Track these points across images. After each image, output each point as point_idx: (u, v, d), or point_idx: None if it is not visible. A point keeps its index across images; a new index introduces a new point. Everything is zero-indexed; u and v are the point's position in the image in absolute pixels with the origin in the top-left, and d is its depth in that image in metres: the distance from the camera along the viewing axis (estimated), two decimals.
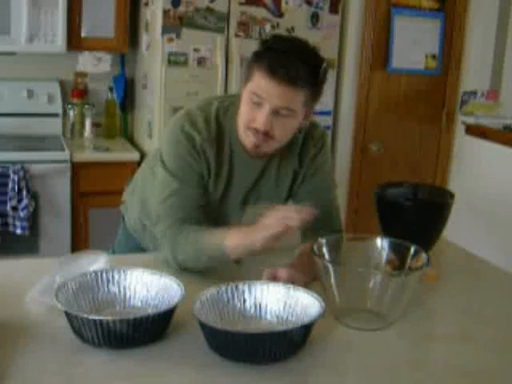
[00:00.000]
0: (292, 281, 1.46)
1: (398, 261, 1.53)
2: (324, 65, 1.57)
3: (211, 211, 1.70)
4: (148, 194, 1.81)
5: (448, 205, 1.73)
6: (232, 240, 1.51)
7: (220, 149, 1.66)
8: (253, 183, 1.73)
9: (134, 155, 3.31)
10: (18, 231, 3.03)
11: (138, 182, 1.96)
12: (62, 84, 3.58)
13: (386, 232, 1.69)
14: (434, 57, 3.66)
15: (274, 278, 1.50)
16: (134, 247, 1.96)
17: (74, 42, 3.31)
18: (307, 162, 1.75)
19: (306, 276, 1.54)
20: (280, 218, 1.43)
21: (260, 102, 1.52)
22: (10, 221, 3.03)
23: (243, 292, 1.40)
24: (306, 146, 1.75)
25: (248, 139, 1.59)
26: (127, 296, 1.43)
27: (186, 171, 1.64)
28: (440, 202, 1.77)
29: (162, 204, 1.64)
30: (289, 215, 1.44)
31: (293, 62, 1.49)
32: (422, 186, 1.86)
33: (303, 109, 1.57)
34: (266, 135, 1.56)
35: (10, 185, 3.00)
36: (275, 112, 1.52)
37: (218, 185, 1.69)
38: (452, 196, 1.75)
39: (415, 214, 1.70)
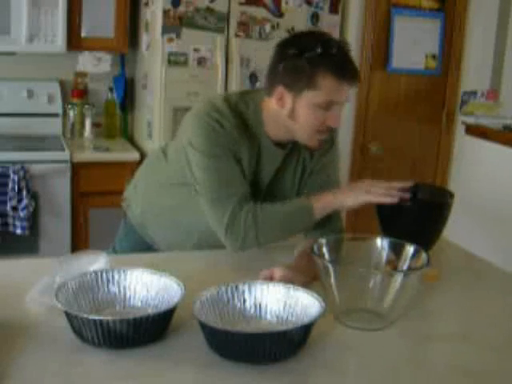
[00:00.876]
0: (287, 281, 1.46)
1: (399, 261, 1.53)
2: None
3: None
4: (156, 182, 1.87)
5: (448, 205, 1.73)
6: (320, 201, 1.66)
7: (245, 137, 1.68)
8: (275, 172, 1.76)
9: (134, 155, 3.31)
10: (18, 231, 3.03)
11: (141, 177, 1.98)
12: (62, 84, 3.59)
13: (386, 232, 1.69)
14: (434, 57, 3.66)
15: (269, 278, 1.51)
16: (136, 242, 1.97)
17: (74, 41, 3.31)
18: (316, 157, 1.81)
19: (305, 276, 1.54)
20: (380, 187, 1.64)
21: (331, 103, 1.59)
22: (10, 221, 3.03)
23: (243, 292, 1.40)
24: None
25: (315, 139, 1.67)
26: (127, 296, 1.43)
27: (227, 154, 1.64)
28: (440, 201, 1.77)
29: (217, 188, 1.64)
30: (390, 187, 1.65)
31: (350, 59, 1.60)
32: (422, 186, 1.86)
33: None
34: (329, 128, 1.65)
35: (10, 185, 3.00)
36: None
37: (246, 171, 1.71)
38: (452, 196, 1.75)
39: (415, 214, 1.70)
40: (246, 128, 1.69)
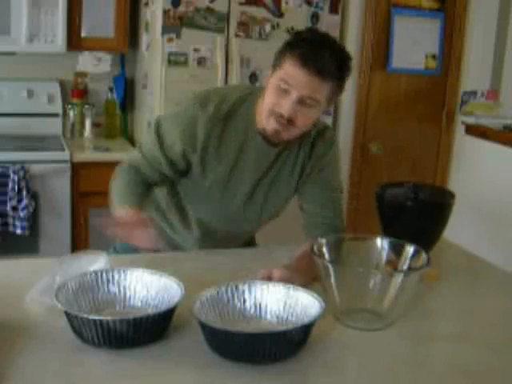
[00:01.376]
0: (286, 282, 1.45)
1: (399, 261, 1.53)
2: (351, 62, 1.63)
3: (217, 188, 1.76)
4: None
5: (449, 205, 1.73)
6: (117, 210, 1.71)
7: (229, 129, 1.71)
8: (264, 171, 1.77)
9: None
10: (18, 231, 3.03)
11: None
12: (62, 84, 3.58)
13: (387, 232, 1.69)
14: (434, 57, 3.66)
15: (268, 278, 1.50)
16: None
17: (74, 41, 3.30)
18: (314, 159, 1.80)
19: (304, 277, 1.54)
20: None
21: (287, 90, 1.58)
22: (10, 221, 3.03)
23: (243, 292, 1.40)
24: (317, 143, 1.80)
25: (270, 124, 1.64)
26: (127, 296, 1.43)
27: (173, 140, 1.72)
28: (441, 202, 1.77)
29: (138, 150, 1.81)
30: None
31: (324, 55, 1.56)
32: (423, 186, 1.86)
33: (325, 102, 1.63)
34: (289, 122, 1.61)
35: (10, 185, 3.00)
36: (301, 101, 1.58)
37: (222, 162, 1.74)
38: (453, 196, 1.75)
39: (416, 215, 1.70)
40: (234, 122, 1.72)
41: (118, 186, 1.80)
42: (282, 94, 1.59)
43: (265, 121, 1.65)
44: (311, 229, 1.80)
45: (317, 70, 1.55)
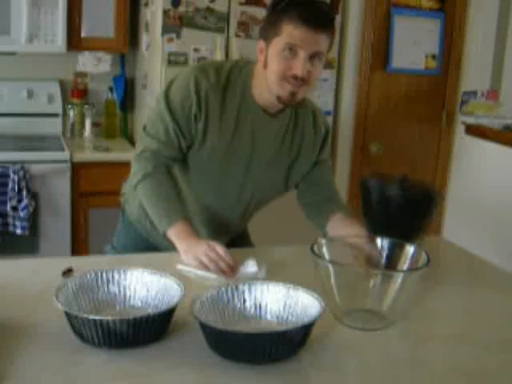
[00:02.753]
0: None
1: (398, 261, 1.53)
2: (335, 15, 1.77)
3: (216, 158, 1.79)
4: None
5: (434, 199, 1.72)
6: (174, 233, 1.70)
7: (227, 100, 1.75)
8: (262, 140, 1.80)
9: None
10: (18, 231, 3.03)
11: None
12: (62, 84, 3.59)
13: (367, 218, 1.70)
14: (434, 57, 3.66)
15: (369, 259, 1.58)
16: (134, 238, 1.98)
17: (74, 41, 3.31)
18: (313, 136, 1.88)
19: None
20: (215, 262, 1.62)
21: (294, 51, 1.63)
22: (10, 221, 3.03)
23: (243, 292, 1.40)
24: (316, 120, 1.89)
25: (284, 89, 1.67)
26: (127, 296, 1.43)
27: (180, 117, 1.74)
28: (427, 195, 1.76)
29: (148, 135, 1.79)
30: (221, 261, 1.62)
31: (318, 10, 1.65)
32: (411, 181, 1.85)
33: (326, 53, 1.70)
34: (302, 81, 1.66)
35: (10, 185, 3.00)
36: (310, 58, 1.64)
37: (222, 131, 1.77)
38: (439, 194, 1.76)
39: (400, 205, 1.69)
40: (232, 92, 1.75)
41: (150, 195, 1.78)
42: (290, 57, 1.64)
43: (277, 87, 1.67)
44: (314, 208, 1.90)
45: (317, 24, 1.62)
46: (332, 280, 1.41)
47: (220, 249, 1.64)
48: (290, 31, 1.62)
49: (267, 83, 1.70)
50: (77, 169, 3.19)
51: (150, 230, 1.94)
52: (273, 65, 1.66)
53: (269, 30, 1.67)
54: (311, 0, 1.67)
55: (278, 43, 1.64)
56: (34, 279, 1.58)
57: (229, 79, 1.75)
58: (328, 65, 3.41)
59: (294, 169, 1.87)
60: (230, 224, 1.95)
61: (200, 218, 1.88)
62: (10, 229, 3.04)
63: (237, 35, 3.15)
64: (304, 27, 1.61)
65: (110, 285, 1.43)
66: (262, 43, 1.69)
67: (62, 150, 3.23)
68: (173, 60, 3.09)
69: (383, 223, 1.65)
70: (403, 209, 1.69)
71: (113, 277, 1.44)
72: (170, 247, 1.91)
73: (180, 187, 1.87)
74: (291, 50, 1.63)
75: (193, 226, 1.81)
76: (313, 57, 1.64)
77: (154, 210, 1.75)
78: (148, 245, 1.95)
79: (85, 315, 1.25)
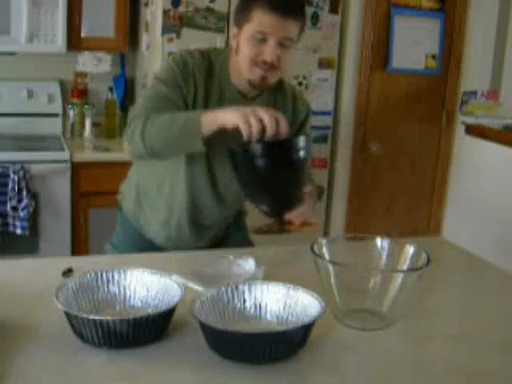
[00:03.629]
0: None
1: (398, 261, 1.53)
2: (305, 2, 1.80)
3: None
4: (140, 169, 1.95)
5: (294, 144, 1.58)
6: (208, 114, 1.59)
7: (210, 81, 1.79)
8: None
9: None
10: (18, 231, 3.03)
11: (133, 169, 2.01)
12: (62, 84, 3.59)
13: (245, 191, 1.68)
14: (433, 57, 3.66)
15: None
16: (132, 234, 1.98)
17: (74, 41, 3.31)
18: (295, 114, 1.90)
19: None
20: (256, 115, 1.51)
21: (264, 38, 1.67)
22: (10, 221, 3.03)
23: (243, 292, 1.40)
24: (297, 102, 1.91)
25: (255, 73, 1.72)
26: (127, 296, 1.43)
27: (171, 85, 1.74)
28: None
29: (144, 101, 1.76)
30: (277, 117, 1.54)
31: None
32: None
33: (297, 39, 1.74)
34: (273, 66, 1.70)
35: (10, 185, 3.00)
36: (279, 43, 1.68)
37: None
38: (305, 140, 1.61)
39: (261, 155, 1.54)
40: (213, 74, 1.79)
41: (162, 122, 1.64)
42: (260, 43, 1.68)
43: (248, 72, 1.72)
44: None
45: (287, 11, 1.67)
46: (332, 280, 1.41)
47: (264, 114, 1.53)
48: (259, 18, 1.67)
49: (239, 68, 1.75)
50: (77, 169, 3.19)
51: (143, 224, 1.96)
52: (244, 50, 1.71)
53: (240, 16, 1.73)
54: None
55: (248, 30, 1.69)
56: (34, 279, 1.58)
57: (210, 63, 1.80)
58: (328, 65, 3.41)
59: None
60: (216, 218, 1.96)
61: (187, 211, 1.89)
62: (10, 229, 3.04)
63: None
64: (273, 14, 1.65)
65: (110, 285, 1.43)
66: (234, 29, 1.74)
67: (62, 150, 3.23)
68: None
69: (259, 193, 1.61)
70: (265, 158, 1.54)
71: (113, 277, 1.44)
72: (165, 244, 1.94)
73: (168, 180, 1.87)
74: (261, 36, 1.67)
75: (179, 221, 1.85)
76: (282, 43, 1.68)
77: (176, 125, 1.61)
78: (145, 241, 1.96)
79: (85, 315, 1.25)
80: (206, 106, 1.77)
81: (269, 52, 1.68)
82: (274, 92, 1.86)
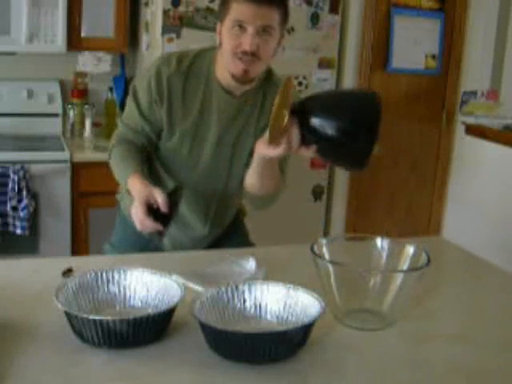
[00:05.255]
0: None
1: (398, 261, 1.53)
2: None
3: (186, 142, 1.84)
4: None
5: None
6: (129, 186, 1.74)
7: (190, 85, 1.81)
8: (228, 121, 1.84)
9: None
10: (18, 231, 3.03)
11: None
12: (62, 84, 3.59)
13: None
14: (433, 57, 3.66)
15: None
16: (130, 233, 1.98)
17: (74, 41, 3.30)
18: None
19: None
20: (140, 218, 1.63)
21: (243, 27, 1.68)
22: (10, 221, 3.03)
23: (243, 292, 1.40)
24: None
25: (236, 66, 1.71)
26: (127, 296, 1.43)
27: (146, 102, 1.83)
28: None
29: (120, 121, 1.94)
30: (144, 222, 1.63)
31: None
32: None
33: (279, 29, 1.72)
34: (253, 56, 1.69)
35: (10, 185, 3.00)
36: (258, 32, 1.67)
37: (187, 115, 1.82)
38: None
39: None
40: (196, 75, 1.81)
41: (115, 163, 1.88)
42: (239, 33, 1.68)
43: (231, 65, 1.72)
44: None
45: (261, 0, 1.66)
46: (332, 280, 1.41)
47: (139, 211, 1.64)
48: (236, 8, 1.68)
49: (223, 63, 1.75)
50: (77, 169, 3.18)
51: None
52: (225, 43, 1.72)
53: (220, 10, 1.75)
54: None
55: (227, 22, 1.70)
56: (34, 279, 1.58)
57: (192, 64, 1.81)
58: (328, 65, 3.41)
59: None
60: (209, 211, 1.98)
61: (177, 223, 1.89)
62: (10, 229, 3.03)
63: None
64: (248, 2, 1.66)
65: (110, 285, 1.43)
66: (218, 25, 1.76)
67: (62, 150, 3.23)
68: None
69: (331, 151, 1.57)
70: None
71: (113, 277, 1.44)
72: (162, 244, 1.93)
73: (161, 179, 1.91)
74: (240, 26, 1.67)
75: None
76: (262, 32, 1.68)
77: (117, 175, 1.85)
78: (144, 240, 1.96)
79: (85, 315, 1.26)
80: (186, 110, 1.81)
81: (247, 41, 1.67)
82: (262, 86, 1.84)
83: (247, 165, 1.83)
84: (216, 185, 1.93)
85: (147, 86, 1.81)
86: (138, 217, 1.63)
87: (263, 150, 1.60)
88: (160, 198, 1.62)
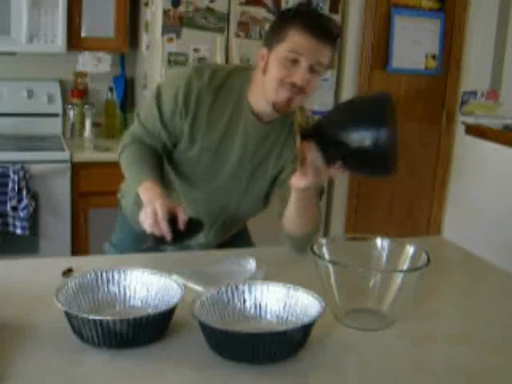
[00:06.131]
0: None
1: (398, 261, 1.53)
2: (339, 32, 1.75)
3: (205, 157, 1.80)
4: None
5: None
6: (142, 189, 1.69)
7: (219, 101, 1.76)
8: (253, 146, 1.80)
9: None
10: (18, 231, 3.03)
11: None
12: (62, 84, 3.59)
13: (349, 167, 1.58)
14: (433, 57, 3.67)
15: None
16: (130, 233, 1.98)
17: (74, 41, 3.31)
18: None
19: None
20: (153, 219, 1.59)
21: (296, 59, 1.63)
22: (10, 221, 3.03)
23: (243, 292, 1.40)
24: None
25: (281, 95, 1.67)
26: (127, 296, 1.43)
27: (167, 105, 1.77)
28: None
29: (137, 120, 1.86)
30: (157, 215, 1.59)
31: (324, 22, 1.67)
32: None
33: (327, 66, 1.70)
34: (300, 90, 1.66)
35: (10, 185, 3.00)
36: (311, 68, 1.65)
37: (211, 131, 1.78)
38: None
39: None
40: (227, 92, 1.76)
41: (128, 161, 1.82)
42: (291, 64, 1.64)
43: (274, 93, 1.67)
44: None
45: (323, 35, 1.64)
46: (332, 280, 1.41)
47: (160, 212, 1.61)
48: (295, 38, 1.63)
49: (264, 89, 1.70)
50: (77, 169, 3.19)
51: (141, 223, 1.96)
52: (273, 70, 1.66)
53: (273, 37, 1.68)
54: (318, 13, 1.72)
55: (281, 49, 1.65)
56: (34, 279, 1.58)
57: (225, 81, 1.76)
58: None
59: (278, 179, 1.85)
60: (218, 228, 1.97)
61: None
62: (10, 229, 3.04)
63: (237, 35, 3.14)
64: (309, 35, 1.62)
65: (110, 285, 1.43)
66: (264, 50, 1.70)
67: (62, 150, 3.23)
68: (173, 60, 3.09)
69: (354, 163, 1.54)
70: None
71: (113, 277, 1.44)
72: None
73: (171, 182, 1.89)
74: (294, 56, 1.63)
75: None
76: (314, 67, 1.65)
77: (129, 174, 1.81)
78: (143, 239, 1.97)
79: (85, 315, 1.26)
80: (210, 126, 1.77)
81: (300, 74, 1.63)
82: (290, 116, 1.79)
83: (282, 200, 1.78)
84: (228, 203, 1.90)
85: (174, 96, 1.75)
86: (153, 216, 1.59)
87: (294, 181, 1.59)
88: (182, 216, 1.61)
